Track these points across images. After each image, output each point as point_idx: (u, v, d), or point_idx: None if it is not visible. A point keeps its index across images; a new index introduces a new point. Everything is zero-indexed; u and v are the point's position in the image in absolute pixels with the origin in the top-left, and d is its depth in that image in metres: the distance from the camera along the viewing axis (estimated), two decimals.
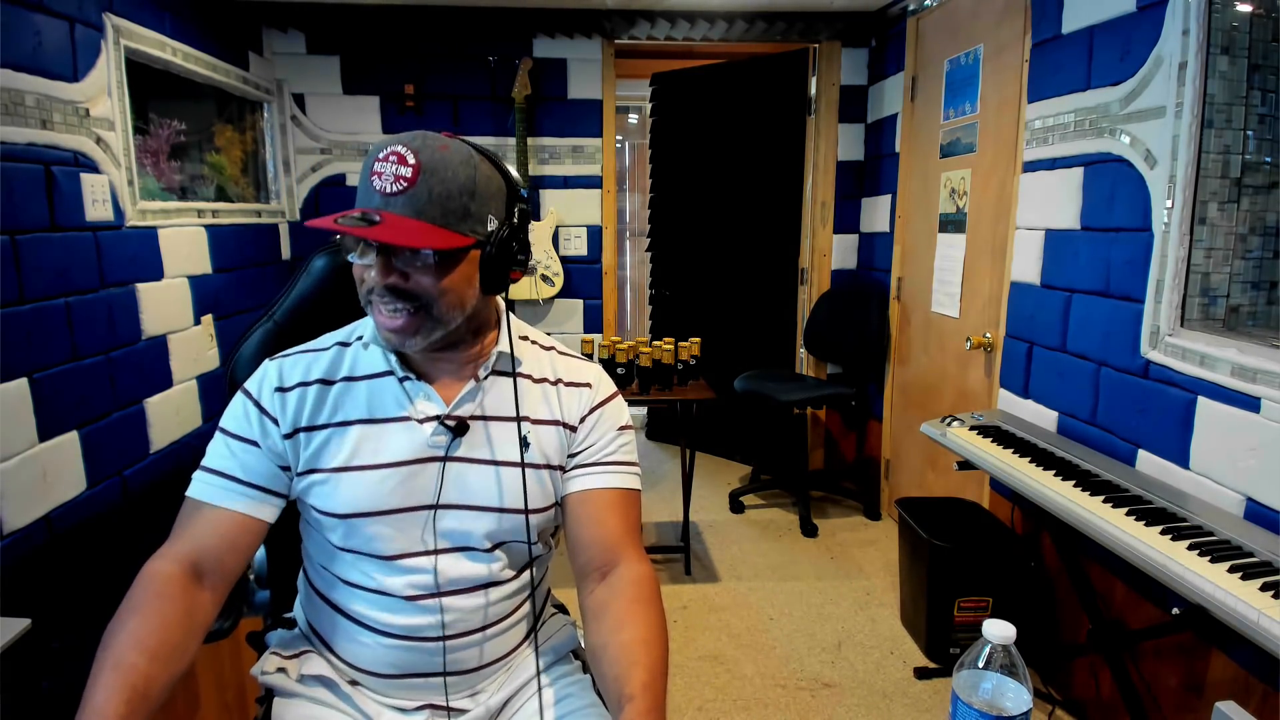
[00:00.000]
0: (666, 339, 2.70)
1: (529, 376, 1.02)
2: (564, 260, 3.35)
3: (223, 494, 0.91)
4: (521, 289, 3.30)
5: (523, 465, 0.97)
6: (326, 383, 0.96)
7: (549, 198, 3.35)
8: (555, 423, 1.01)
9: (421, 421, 0.95)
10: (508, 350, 0.99)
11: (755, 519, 3.32)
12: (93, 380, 1.87)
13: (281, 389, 0.95)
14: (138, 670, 0.77)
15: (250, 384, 0.96)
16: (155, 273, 2.17)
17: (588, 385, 1.04)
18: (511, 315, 1.03)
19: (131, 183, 2.05)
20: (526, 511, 0.96)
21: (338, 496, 0.93)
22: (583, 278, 3.44)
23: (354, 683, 1.02)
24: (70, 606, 1.42)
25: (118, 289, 1.99)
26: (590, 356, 2.78)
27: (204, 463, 0.93)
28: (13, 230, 1.62)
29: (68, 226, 1.80)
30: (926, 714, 2.02)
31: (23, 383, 1.63)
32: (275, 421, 0.94)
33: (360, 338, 0.99)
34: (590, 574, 0.99)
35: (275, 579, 1.18)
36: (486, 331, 1.00)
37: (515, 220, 0.92)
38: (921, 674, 2.17)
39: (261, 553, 1.17)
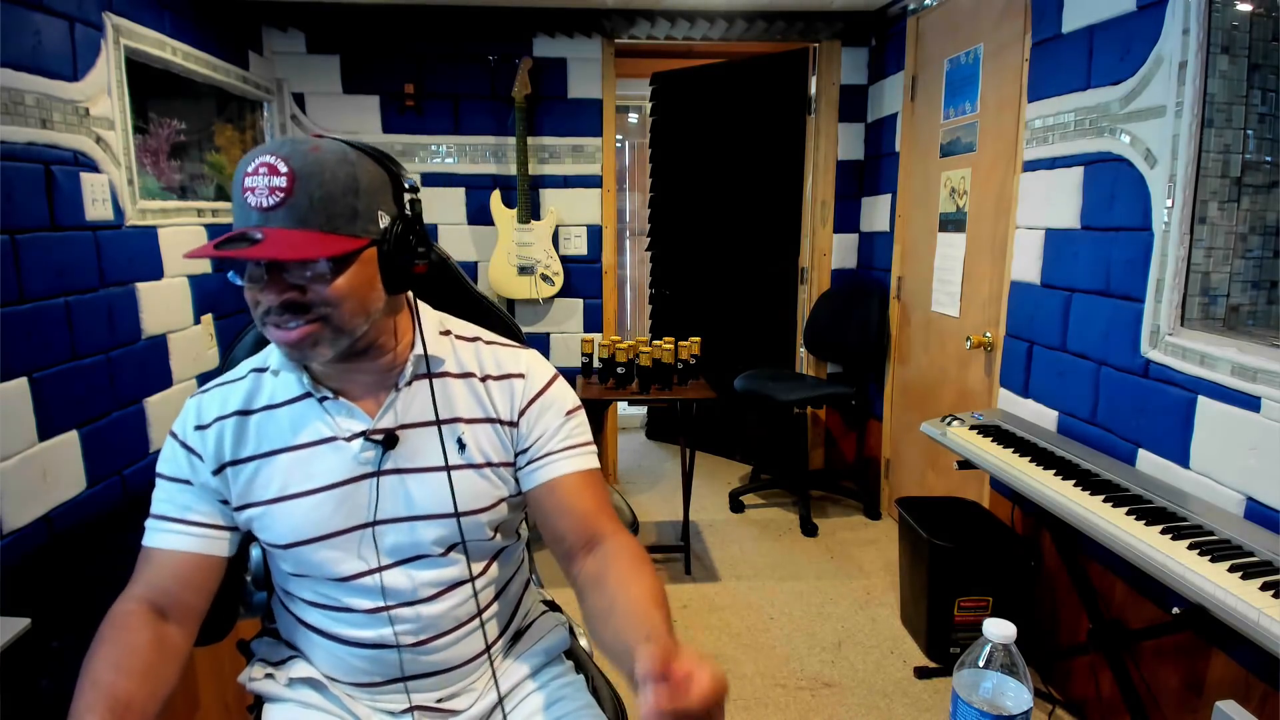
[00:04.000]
0: (666, 338, 2.70)
1: (452, 374, 0.97)
2: (564, 260, 3.35)
3: (168, 537, 0.91)
4: (521, 289, 3.30)
5: (448, 468, 0.93)
6: (245, 413, 0.94)
7: (549, 197, 3.35)
8: (490, 420, 0.97)
9: (348, 439, 0.92)
10: (423, 352, 0.95)
11: (755, 518, 3.32)
12: (93, 380, 1.87)
13: (200, 426, 0.93)
14: (117, 685, 0.79)
15: (176, 425, 0.95)
16: (155, 272, 2.17)
17: (520, 376, 0.99)
18: (426, 308, 0.99)
19: (131, 182, 2.05)
20: (458, 515, 0.93)
21: (277, 527, 0.92)
22: (583, 277, 3.44)
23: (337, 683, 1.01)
24: (70, 606, 1.42)
25: (117, 288, 1.99)
26: (590, 356, 2.80)
27: (151, 510, 0.93)
28: (13, 230, 1.62)
29: (67, 226, 1.80)
30: (927, 713, 2.02)
31: (23, 382, 1.63)
32: (201, 458, 0.93)
33: (270, 367, 0.96)
34: (575, 555, 0.96)
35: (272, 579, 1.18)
36: (400, 334, 0.95)
37: (408, 212, 0.88)
38: (922, 673, 2.17)
39: (258, 553, 1.17)
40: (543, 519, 0.99)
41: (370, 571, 0.93)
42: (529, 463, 0.98)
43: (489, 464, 0.97)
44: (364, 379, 0.94)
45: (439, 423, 0.94)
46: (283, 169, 0.79)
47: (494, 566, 1.02)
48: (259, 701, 1.04)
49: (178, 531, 0.91)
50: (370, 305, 0.87)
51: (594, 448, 1.02)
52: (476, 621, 1.00)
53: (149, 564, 0.91)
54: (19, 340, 1.62)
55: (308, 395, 0.93)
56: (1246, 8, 1.55)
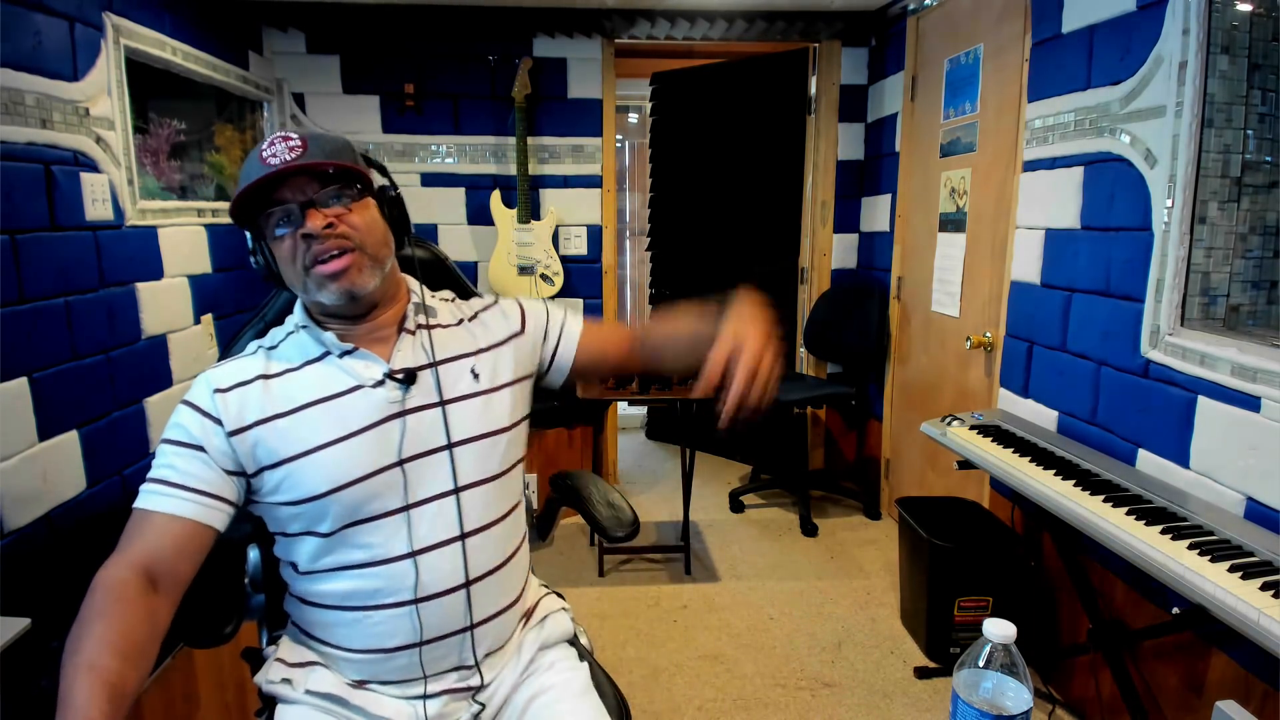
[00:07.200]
0: None
1: (450, 324, 1.10)
2: (564, 260, 3.35)
3: (170, 502, 0.91)
4: (521, 289, 3.30)
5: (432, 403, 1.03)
6: (266, 377, 0.99)
7: (549, 197, 3.35)
8: (499, 344, 1.11)
9: (373, 386, 1.00)
10: (421, 303, 1.08)
11: (755, 518, 3.32)
12: (93, 380, 1.87)
13: (220, 390, 0.97)
14: (112, 670, 0.77)
15: (190, 395, 0.98)
16: (155, 272, 2.17)
17: (495, 302, 1.17)
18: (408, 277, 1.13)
19: (131, 182, 2.05)
20: (485, 436, 1.04)
21: (313, 477, 0.95)
22: (583, 277, 3.44)
23: (361, 684, 1.01)
24: (70, 606, 1.41)
25: (117, 288, 1.99)
26: None
27: (150, 475, 0.93)
28: (13, 230, 1.62)
29: (67, 226, 1.80)
30: (927, 713, 2.02)
31: (23, 382, 1.63)
32: (219, 422, 0.95)
33: (281, 340, 1.04)
34: (632, 352, 1.19)
35: (270, 582, 1.18)
36: (399, 295, 1.07)
37: (391, 185, 1.05)
38: (922, 673, 2.17)
39: (255, 555, 1.17)
40: (593, 364, 1.18)
41: (401, 509, 0.98)
42: (554, 344, 1.16)
43: (504, 385, 1.08)
44: (373, 333, 1.03)
45: (415, 370, 1.03)
46: (295, 135, 0.95)
47: (509, 518, 1.08)
48: (269, 703, 1.03)
49: (181, 498, 0.91)
50: (389, 241, 1.02)
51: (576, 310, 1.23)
52: (517, 558, 1.09)
53: (146, 527, 0.90)
54: (19, 340, 1.62)
55: (324, 355, 1.01)
56: (1246, 8, 1.55)
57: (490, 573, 1.03)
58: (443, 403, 1.01)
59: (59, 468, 1.74)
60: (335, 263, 0.95)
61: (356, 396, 0.99)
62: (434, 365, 1.03)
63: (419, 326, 1.05)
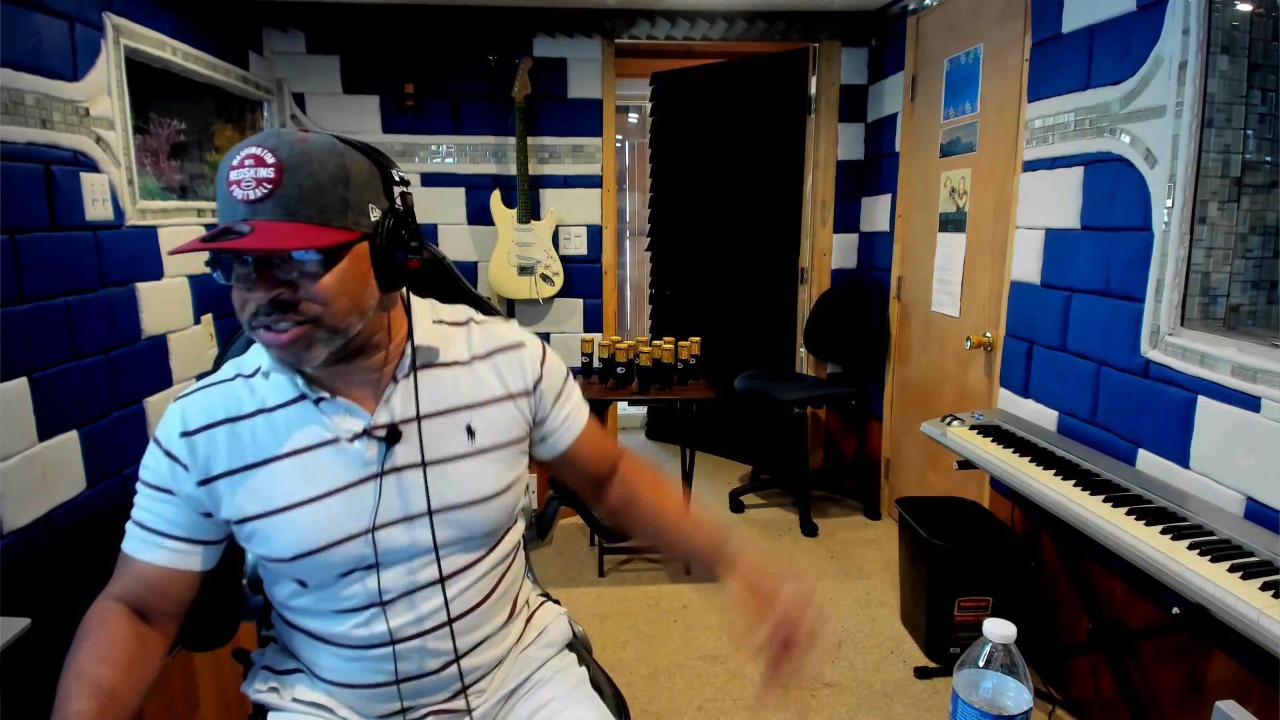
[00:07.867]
0: (666, 338, 2.70)
1: (455, 362, 0.96)
2: (564, 260, 3.35)
3: (144, 547, 0.89)
4: (521, 289, 3.29)
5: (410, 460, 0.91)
6: (236, 420, 0.89)
7: (549, 197, 3.34)
8: (507, 397, 0.97)
9: (350, 440, 0.89)
10: (420, 344, 0.92)
11: (755, 518, 3.32)
12: (93, 380, 1.87)
13: (187, 433, 0.88)
14: (100, 676, 0.79)
15: (159, 430, 0.90)
16: (155, 272, 2.17)
17: (520, 345, 1.00)
18: (417, 299, 0.98)
19: (131, 182, 2.05)
20: (474, 503, 0.94)
21: (279, 539, 0.88)
22: (583, 277, 3.43)
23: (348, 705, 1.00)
24: (70, 606, 1.41)
25: (117, 288, 1.99)
26: (590, 356, 2.80)
27: (132, 513, 0.91)
28: (13, 230, 1.62)
29: (67, 226, 1.80)
30: (927, 713, 2.02)
31: (22, 382, 1.63)
32: (186, 468, 0.88)
33: (258, 369, 0.92)
34: (602, 485, 1.10)
35: None
36: (395, 330, 0.92)
37: (399, 205, 0.86)
38: (922, 673, 2.17)
39: (253, 556, 1.16)
40: (576, 471, 1.08)
41: (371, 566, 0.90)
42: (551, 430, 1.03)
43: (501, 446, 0.96)
44: (360, 376, 0.91)
45: (418, 417, 0.92)
46: (269, 160, 0.77)
47: (498, 549, 1.01)
48: (260, 712, 1.02)
49: (153, 544, 0.89)
50: (364, 303, 0.84)
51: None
52: (499, 590, 1.00)
53: (127, 569, 0.90)
54: (19, 340, 1.62)
55: (302, 398, 0.89)
56: (1246, 8, 1.55)
57: (474, 608, 0.96)
58: (427, 463, 0.90)
59: (59, 468, 1.74)
60: (279, 335, 0.81)
61: (330, 452, 0.88)
62: (432, 416, 0.91)
63: (413, 369, 0.92)
